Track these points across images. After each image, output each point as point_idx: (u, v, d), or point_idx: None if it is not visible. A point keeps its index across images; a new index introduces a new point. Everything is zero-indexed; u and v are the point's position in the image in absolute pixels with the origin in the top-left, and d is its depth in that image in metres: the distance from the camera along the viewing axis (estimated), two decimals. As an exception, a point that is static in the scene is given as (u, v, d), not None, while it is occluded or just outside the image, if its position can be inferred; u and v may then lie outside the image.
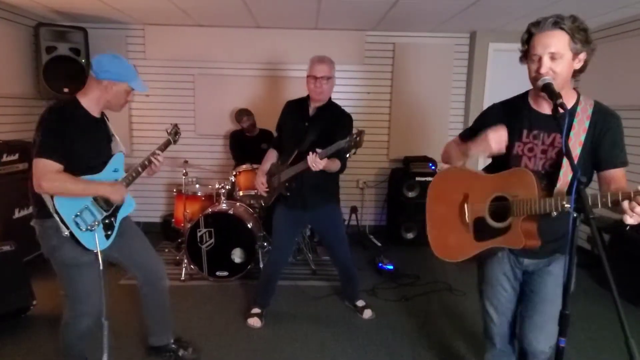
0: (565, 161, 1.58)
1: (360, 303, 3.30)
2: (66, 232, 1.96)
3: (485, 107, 5.24)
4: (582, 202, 1.30)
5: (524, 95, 1.81)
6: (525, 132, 1.73)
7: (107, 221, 2.12)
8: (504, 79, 5.01)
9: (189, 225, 3.80)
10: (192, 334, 2.96)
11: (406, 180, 4.87)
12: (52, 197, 1.93)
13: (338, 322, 3.18)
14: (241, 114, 4.69)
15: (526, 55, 1.70)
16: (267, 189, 2.99)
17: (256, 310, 3.14)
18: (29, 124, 4.41)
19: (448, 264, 4.50)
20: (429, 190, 2.09)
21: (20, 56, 4.33)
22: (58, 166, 1.89)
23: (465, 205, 1.86)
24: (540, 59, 1.60)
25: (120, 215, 2.21)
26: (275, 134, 3.19)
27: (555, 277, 1.78)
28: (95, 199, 2.06)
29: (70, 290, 2.12)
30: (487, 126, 1.78)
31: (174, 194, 4.42)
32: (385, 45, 5.12)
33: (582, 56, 1.61)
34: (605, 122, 1.62)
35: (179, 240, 4.44)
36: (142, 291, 2.44)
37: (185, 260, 3.87)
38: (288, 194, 2.90)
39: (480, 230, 1.79)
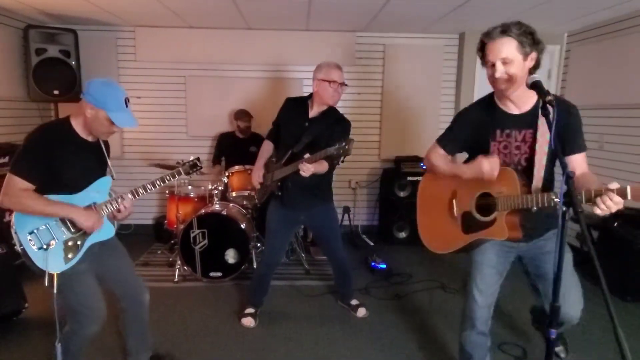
0: (536, 159, 1.78)
1: (354, 302, 3.32)
2: (19, 248, 1.94)
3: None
4: (570, 196, 1.33)
5: (489, 98, 1.99)
6: (498, 132, 1.91)
7: (70, 243, 2.02)
8: (493, 79, 5.08)
9: (181, 227, 3.80)
10: (186, 335, 2.96)
11: (397, 180, 4.91)
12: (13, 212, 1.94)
13: (332, 321, 3.20)
14: (241, 113, 4.75)
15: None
16: (261, 183, 3.01)
17: (250, 310, 3.15)
18: (19, 126, 4.38)
19: (440, 262, 4.55)
20: (419, 190, 2.30)
21: (10, 58, 4.30)
22: (26, 185, 1.88)
23: (454, 201, 2.06)
24: (493, 65, 1.76)
25: (91, 240, 2.09)
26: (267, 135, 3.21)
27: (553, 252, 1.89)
28: (62, 219, 2.00)
29: (73, 303, 2.05)
30: (462, 133, 2.03)
31: (167, 195, 4.42)
32: (376, 46, 5.16)
33: (533, 55, 1.77)
34: (565, 113, 1.77)
35: (172, 241, 4.43)
36: (123, 306, 2.33)
37: (179, 262, 3.87)
38: (279, 193, 2.92)
39: (468, 223, 1.99)
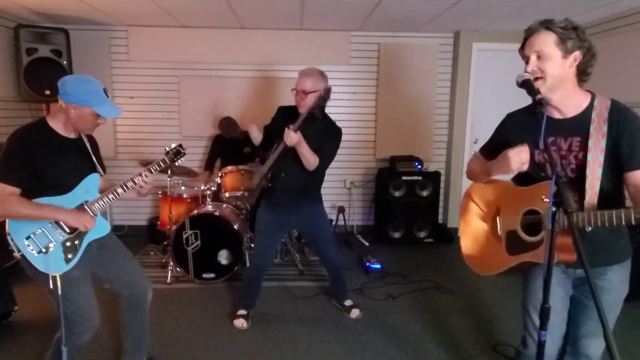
0: (588, 172, 1.53)
1: (348, 303, 3.30)
2: (17, 255, 1.92)
3: (470, 106, 5.33)
4: (560, 196, 1.31)
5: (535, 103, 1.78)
6: (541, 140, 1.65)
7: (68, 244, 2.00)
8: (488, 78, 5.07)
9: (174, 228, 3.76)
10: (178, 337, 2.94)
11: (393, 180, 4.88)
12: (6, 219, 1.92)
13: (325, 322, 3.17)
14: (227, 125, 4.68)
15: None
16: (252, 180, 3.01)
17: (242, 311, 3.12)
18: (10, 127, 4.30)
19: (435, 262, 4.51)
20: (461, 205, 2.08)
21: (0, 58, 4.25)
22: (11, 189, 1.86)
23: (498, 218, 1.84)
24: (528, 59, 1.60)
25: (88, 238, 2.08)
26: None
27: (609, 292, 1.66)
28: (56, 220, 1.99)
29: (67, 310, 2.01)
30: (505, 137, 1.80)
31: (160, 196, 4.38)
32: (371, 46, 5.13)
33: (577, 54, 1.56)
34: (622, 121, 1.54)
35: (165, 242, 4.39)
36: (124, 305, 2.33)
37: (171, 263, 3.84)
38: (270, 184, 2.89)
39: (513, 243, 1.75)
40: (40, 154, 1.92)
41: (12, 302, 3.08)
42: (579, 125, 1.59)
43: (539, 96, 1.47)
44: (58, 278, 1.94)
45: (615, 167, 1.56)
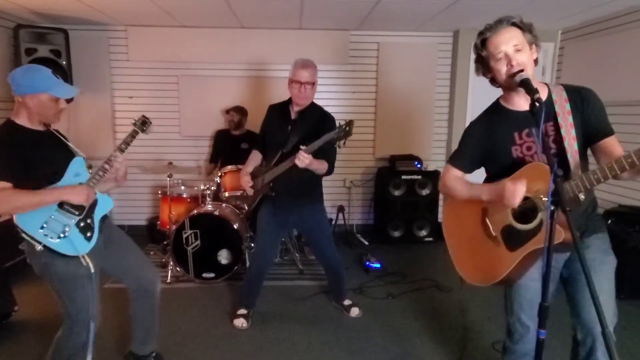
0: (566, 145, 1.62)
1: (347, 302, 3.30)
2: (39, 247, 1.92)
3: (469, 105, 5.31)
4: (558, 195, 1.32)
5: (495, 104, 1.87)
6: (516, 134, 1.73)
7: (82, 224, 2.04)
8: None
9: (174, 227, 3.77)
10: (178, 336, 2.94)
11: (392, 179, 4.89)
12: (14, 217, 1.91)
13: (325, 321, 3.18)
14: (233, 108, 4.78)
15: (482, 64, 1.79)
16: (252, 187, 2.99)
17: (242, 311, 3.12)
18: (9, 127, 4.33)
19: (434, 261, 4.51)
20: (443, 225, 2.03)
21: (-1, 58, 4.26)
22: (3, 184, 1.85)
23: (487, 220, 1.79)
24: (507, 55, 1.65)
25: (98, 215, 2.11)
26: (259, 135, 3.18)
27: (595, 251, 1.72)
28: (61, 206, 1.99)
29: (71, 306, 2.04)
30: (477, 147, 1.84)
31: (159, 196, 4.39)
32: (370, 45, 5.13)
33: (534, 48, 1.70)
34: (582, 97, 1.67)
35: (165, 242, 4.40)
36: (133, 296, 2.36)
37: (171, 263, 3.84)
38: (273, 193, 2.90)
39: (511, 238, 1.70)
40: (19, 150, 1.91)
41: (13, 302, 3.08)
42: (548, 110, 1.63)
43: (537, 95, 1.48)
44: (87, 258, 2.00)
45: (585, 141, 1.66)
